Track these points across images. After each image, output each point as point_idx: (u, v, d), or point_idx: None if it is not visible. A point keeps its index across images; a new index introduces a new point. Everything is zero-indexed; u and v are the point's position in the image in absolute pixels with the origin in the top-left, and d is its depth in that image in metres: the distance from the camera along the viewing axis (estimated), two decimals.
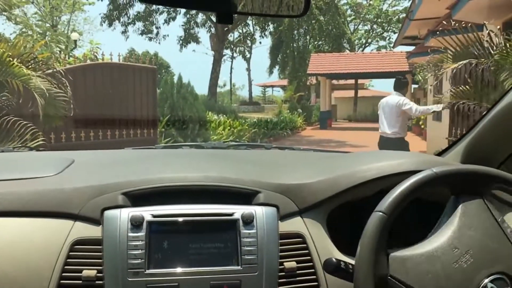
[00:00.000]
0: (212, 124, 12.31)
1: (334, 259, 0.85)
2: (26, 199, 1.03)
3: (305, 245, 1.05)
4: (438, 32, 5.18)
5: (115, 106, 8.64)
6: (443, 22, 6.10)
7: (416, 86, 21.99)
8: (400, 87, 5.61)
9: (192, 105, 10.56)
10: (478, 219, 0.87)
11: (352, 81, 29.13)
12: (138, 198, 1.06)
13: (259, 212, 1.04)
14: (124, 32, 26.82)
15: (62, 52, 13.14)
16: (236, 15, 1.00)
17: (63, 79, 5.54)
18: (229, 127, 13.08)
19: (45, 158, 1.54)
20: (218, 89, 30.41)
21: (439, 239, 0.85)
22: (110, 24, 26.10)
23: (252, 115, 21.13)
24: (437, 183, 0.90)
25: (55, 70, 5.66)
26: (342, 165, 1.23)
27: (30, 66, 5.52)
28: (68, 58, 9.12)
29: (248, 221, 1.02)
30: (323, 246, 1.06)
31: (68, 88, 5.54)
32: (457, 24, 4.96)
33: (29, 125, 4.78)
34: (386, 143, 5.54)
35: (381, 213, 0.85)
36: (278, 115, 19.58)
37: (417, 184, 0.88)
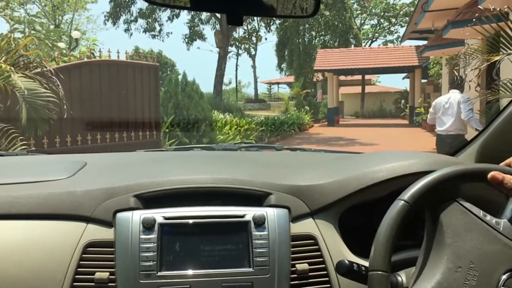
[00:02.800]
0: (218, 124, 11.93)
1: (346, 261, 0.83)
2: (39, 202, 1.04)
3: (317, 246, 1.05)
4: (474, 20, 4.76)
5: (114, 106, 8.08)
6: (473, 10, 5.67)
7: (425, 80, 21.62)
8: (458, 86, 5.91)
9: (197, 103, 10.26)
10: (463, 226, 0.82)
11: (358, 77, 28.80)
12: (150, 200, 1.06)
13: (270, 213, 1.04)
14: (127, 30, 26.57)
15: (58, 51, 12.65)
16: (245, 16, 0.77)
17: (54, 78, 5.01)
18: (235, 126, 12.69)
19: (57, 161, 1.52)
20: (224, 87, 30.13)
21: (437, 265, 0.78)
22: (114, 23, 25.83)
23: (259, 113, 20.84)
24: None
25: (44, 69, 5.15)
26: (353, 166, 1.22)
27: (21, 66, 5.11)
28: (65, 56, 8.59)
29: (260, 223, 1.02)
30: (335, 247, 1.06)
31: (60, 88, 5.03)
32: (499, 8, 4.52)
33: (8, 128, 4.33)
34: (446, 141, 5.69)
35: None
36: (285, 113, 19.33)
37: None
